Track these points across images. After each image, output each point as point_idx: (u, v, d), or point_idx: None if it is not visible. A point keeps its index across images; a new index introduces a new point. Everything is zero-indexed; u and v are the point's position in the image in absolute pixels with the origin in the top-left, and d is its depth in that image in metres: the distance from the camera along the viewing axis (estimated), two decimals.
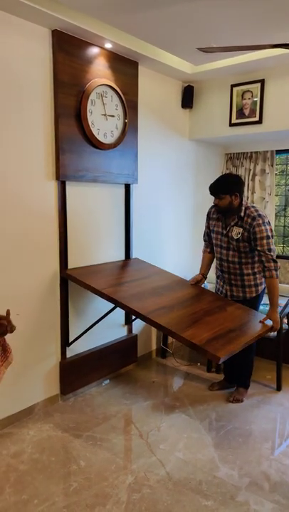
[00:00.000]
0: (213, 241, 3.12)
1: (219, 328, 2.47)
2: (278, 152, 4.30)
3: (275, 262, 2.80)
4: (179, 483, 2.22)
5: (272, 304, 2.81)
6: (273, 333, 3.35)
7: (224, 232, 2.99)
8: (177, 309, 2.65)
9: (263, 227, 2.80)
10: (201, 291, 3.08)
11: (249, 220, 2.84)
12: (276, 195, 4.54)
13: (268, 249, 2.78)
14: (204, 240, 3.31)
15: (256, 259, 2.92)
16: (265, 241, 2.79)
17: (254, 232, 2.81)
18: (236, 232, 2.90)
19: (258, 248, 2.81)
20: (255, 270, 2.98)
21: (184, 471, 2.32)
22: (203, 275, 3.25)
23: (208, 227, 3.21)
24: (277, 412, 2.96)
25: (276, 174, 4.45)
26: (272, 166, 4.28)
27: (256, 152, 4.36)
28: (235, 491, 2.16)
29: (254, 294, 3.00)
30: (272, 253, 2.80)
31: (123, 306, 2.57)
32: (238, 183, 2.90)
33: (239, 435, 2.67)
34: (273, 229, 4.39)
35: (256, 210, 2.86)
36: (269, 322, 2.71)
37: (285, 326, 3.50)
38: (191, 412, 2.94)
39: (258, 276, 2.99)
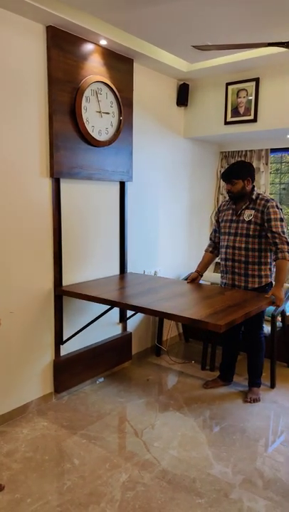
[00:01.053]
0: (222, 230, 3.11)
1: (219, 306, 2.50)
2: (273, 151, 4.31)
3: (287, 244, 2.80)
4: (173, 481, 2.22)
5: (279, 280, 2.81)
6: (267, 330, 3.36)
7: (234, 218, 3.01)
8: (176, 299, 2.67)
9: (276, 209, 2.84)
10: (198, 286, 3.10)
11: (263, 202, 2.88)
12: (271, 194, 4.55)
13: (282, 231, 2.80)
14: (210, 239, 3.30)
15: (263, 247, 2.91)
16: (279, 223, 2.81)
17: (268, 212, 2.83)
18: (248, 214, 2.92)
19: (273, 229, 2.81)
20: (262, 260, 2.94)
21: (178, 469, 2.32)
22: (199, 273, 3.25)
23: (217, 221, 3.21)
24: (271, 410, 2.97)
25: (271, 173, 4.47)
26: (266, 164, 4.29)
27: (251, 150, 4.36)
28: (229, 489, 2.17)
29: (256, 285, 2.96)
30: (286, 235, 2.81)
31: (120, 304, 2.57)
32: (250, 169, 2.95)
33: (233, 433, 2.68)
34: None
35: (266, 196, 2.93)
36: (273, 298, 2.75)
37: (278, 324, 3.52)
38: (185, 410, 2.94)
39: (262, 267, 2.95)
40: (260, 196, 2.92)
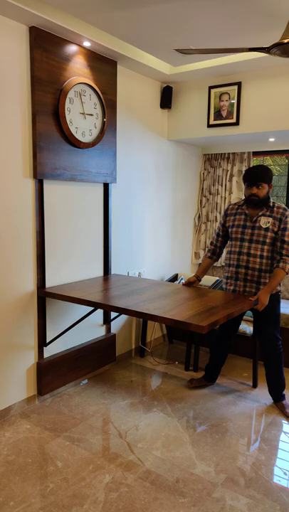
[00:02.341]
0: (232, 236, 2.99)
1: (202, 307, 2.52)
2: (255, 154, 4.38)
3: None
4: (157, 481, 2.23)
5: (269, 286, 2.80)
6: (250, 330, 3.40)
7: (248, 223, 2.92)
8: (159, 300, 2.68)
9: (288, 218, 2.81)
10: (181, 287, 3.11)
11: (281, 210, 2.85)
12: None
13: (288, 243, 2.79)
14: (211, 243, 3.20)
15: (274, 255, 2.88)
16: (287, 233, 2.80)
17: (285, 222, 2.81)
18: (265, 221, 2.85)
19: (285, 239, 2.79)
20: (273, 268, 2.88)
21: (162, 469, 2.33)
22: (198, 277, 3.15)
23: (223, 225, 3.11)
24: (252, 409, 3.01)
25: None
26: (249, 167, 4.35)
27: (234, 153, 4.42)
28: (211, 488, 2.19)
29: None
30: None
31: (103, 306, 2.57)
32: (272, 174, 2.90)
33: (216, 432, 2.70)
34: None
35: (282, 205, 2.91)
36: (256, 302, 2.76)
37: None
38: (169, 411, 2.95)
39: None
40: (276, 204, 2.88)
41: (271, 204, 2.89)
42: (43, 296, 2.91)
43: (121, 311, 2.50)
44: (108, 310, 2.55)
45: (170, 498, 2.11)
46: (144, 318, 2.55)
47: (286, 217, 2.82)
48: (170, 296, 2.79)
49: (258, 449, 2.54)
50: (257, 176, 2.80)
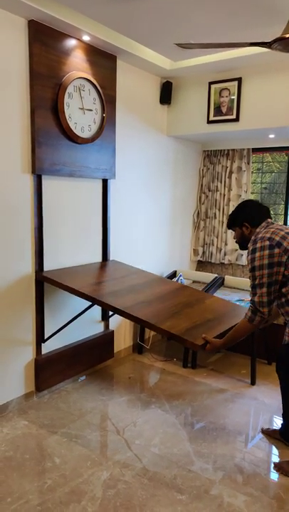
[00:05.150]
0: None
1: (199, 318, 2.49)
2: (255, 150, 4.36)
3: (254, 305, 2.18)
4: (154, 478, 2.23)
5: (225, 339, 2.28)
6: None
7: None
8: (156, 304, 2.66)
9: (250, 256, 2.20)
10: (180, 287, 3.10)
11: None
12: (252, 193, 4.60)
13: (251, 286, 2.21)
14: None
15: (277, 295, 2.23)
16: (250, 273, 2.21)
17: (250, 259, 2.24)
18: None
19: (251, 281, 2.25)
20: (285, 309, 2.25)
21: (159, 466, 2.33)
22: None
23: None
24: (250, 406, 3.01)
25: (252, 172, 4.51)
26: (248, 163, 4.33)
27: (233, 150, 4.40)
28: (209, 485, 2.19)
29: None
30: (254, 293, 2.18)
31: (101, 303, 2.56)
32: (243, 210, 2.37)
33: (214, 429, 2.70)
34: None
35: (265, 233, 2.21)
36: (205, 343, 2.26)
37: None
38: (166, 407, 2.95)
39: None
40: (253, 238, 2.30)
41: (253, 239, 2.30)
42: (41, 280, 2.88)
43: (118, 312, 2.48)
44: (105, 308, 2.53)
45: (168, 495, 2.11)
46: (140, 325, 2.50)
47: (248, 254, 2.26)
48: (168, 299, 2.76)
49: (255, 446, 2.55)
50: (228, 222, 2.46)
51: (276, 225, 2.25)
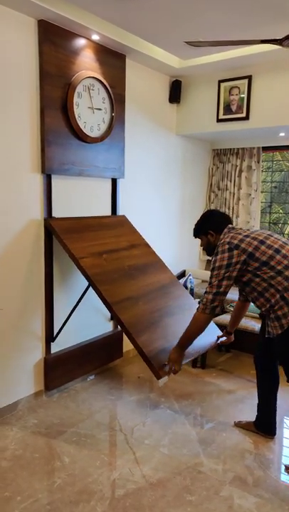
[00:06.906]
0: None
1: (173, 337, 2.53)
2: (265, 149, 4.32)
3: (204, 295, 2.32)
4: (164, 479, 2.22)
5: (180, 340, 2.40)
6: (258, 328, 3.37)
7: None
8: (142, 303, 2.68)
9: (213, 258, 2.37)
10: (170, 283, 3.08)
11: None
12: (262, 192, 4.57)
13: (208, 282, 2.35)
14: None
15: (255, 295, 2.37)
16: (210, 273, 2.36)
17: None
18: None
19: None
20: (268, 303, 2.33)
21: (169, 466, 2.32)
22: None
23: None
24: None
25: (262, 171, 4.48)
26: (258, 162, 4.30)
27: (243, 148, 4.37)
28: (219, 486, 2.18)
29: (279, 331, 2.29)
30: (209, 287, 2.32)
31: (94, 287, 2.58)
32: (208, 220, 2.52)
33: (224, 430, 2.68)
34: (258, 226, 4.43)
35: (226, 238, 2.36)
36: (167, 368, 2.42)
37: None
38: (176, 408, 2.94)
39: (275, 307, 2.30)
40: (218, 244, 2.42)
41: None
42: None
43: (106, 304, 2.53)
44: (97, 293, 2.56)
45: (177, 496, 2.10)
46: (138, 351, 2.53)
47: (212, 258, 2.40)
48: (154, 299, 2.80)
49: (266, 447, 2.52)
50: (194, 232, 2.60)
51: (236, 230, 2.44)
